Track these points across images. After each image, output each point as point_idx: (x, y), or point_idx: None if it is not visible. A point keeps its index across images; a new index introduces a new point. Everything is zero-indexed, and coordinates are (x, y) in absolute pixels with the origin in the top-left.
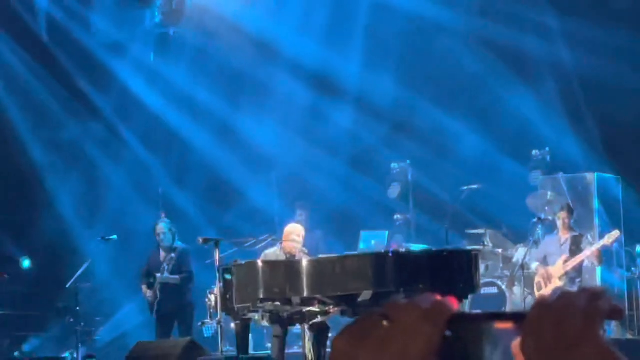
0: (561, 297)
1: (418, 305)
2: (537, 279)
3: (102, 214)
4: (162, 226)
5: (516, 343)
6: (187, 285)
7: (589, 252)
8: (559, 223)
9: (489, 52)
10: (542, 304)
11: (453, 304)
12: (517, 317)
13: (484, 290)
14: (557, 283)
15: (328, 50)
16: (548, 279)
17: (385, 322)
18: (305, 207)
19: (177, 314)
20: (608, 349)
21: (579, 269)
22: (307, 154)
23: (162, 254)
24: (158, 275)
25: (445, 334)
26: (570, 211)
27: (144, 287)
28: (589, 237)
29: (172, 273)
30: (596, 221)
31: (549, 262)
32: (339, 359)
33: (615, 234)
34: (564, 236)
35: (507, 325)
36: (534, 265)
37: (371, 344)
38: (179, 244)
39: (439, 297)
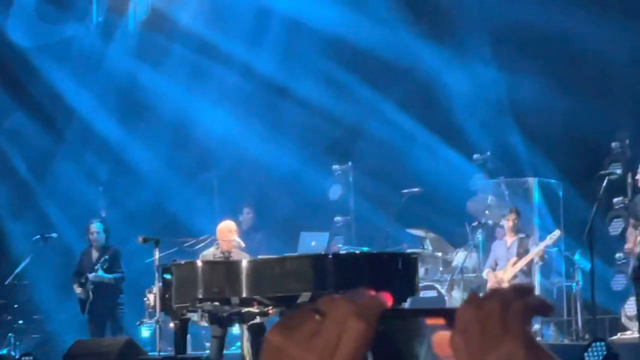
0: (491, 294)
1: (350, 300)
2: (488, 285)
3: (37, 211)
4: (96, 226)
5: (437, 336)
6: (120, 285)
7: (534, 253)
8: (507, 225)
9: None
10: (472, 301)
11: (387, 299)
12: (447, 313)
13: (423, 294)
14: (506, 286)
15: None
16: (499, 283)
17: (317, 316)
18: (251, 211)
19: (109, 314)
20: (533, 345)
21: (528, 271)
22: (248, 155)
23: (95, 253)
24: (92, 274)
25: (378, 328)
26: (518, 214)
27: (75, 286)
28: (533, 239)
29: (105, 273)
30: (536, 226)
31: (499, 267)
32: (270, 352)
33: (557, 233)
34: (511, 239)
35: (438, 321)
36: (485, 272)
37: (302, 337)
38: (111, 244)
39: (372, 292)
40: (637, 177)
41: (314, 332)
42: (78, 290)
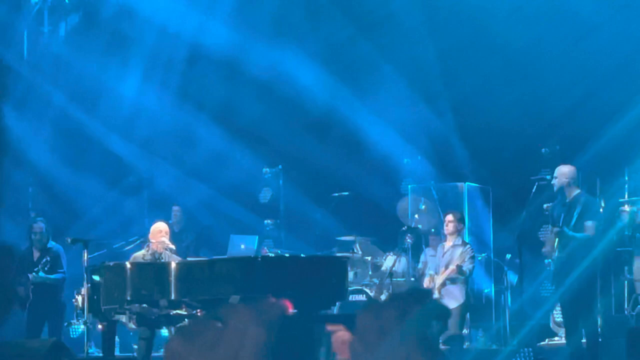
0: (390, 300)
1: (250, 307)
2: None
3: None
4: (40, 225)
5: (336, 337)
6: (61, 285)
7: (451, 270)
8: (445, 229)
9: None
10: (371, 307)
11: (286, 306)
12: (347, 319)
13: (352, 298)
14: (437, 295)
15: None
16: (432, 290)
17: (218, 324)
18: (180, 210)
19: (48, 314)
20: (431, 348)
21: (458, 281)
22: (182, 154)
23: (36, 253)
24: (32, 274)
25: (278, 333)
26: (458, 217)
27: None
28: (469, 247)
29: (46, 273)
30: (466, 231)
31: (438, 272)
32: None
33: (468, 252)
34: (447, 245)
35: (338, 327)
36: (427, 275)
37: (203, 344)
38: (53, 244)
39: (272, 299)
40: (552, 182)
41: (215, 339)
42: (18, 290)
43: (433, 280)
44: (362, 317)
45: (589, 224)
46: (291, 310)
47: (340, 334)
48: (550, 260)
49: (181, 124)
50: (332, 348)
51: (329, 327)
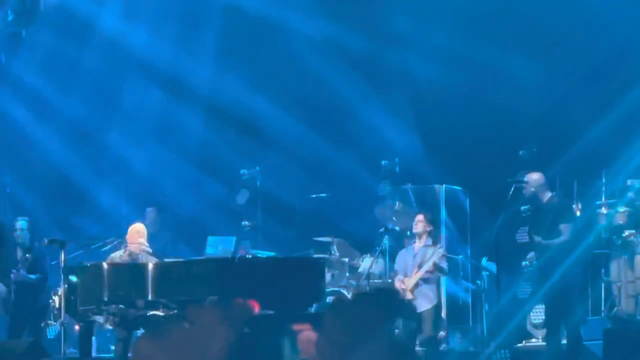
0: (355, 299)
1: (217, 308)
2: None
3: None
4: (21, 223)
5: (302, 337)
6: (42, 285)
7: (429, 267)
8: (414, 229)
9: (342, 59)
10: (337, 305)
11: (253, 306)
12: (314, 318)
13: (330, 299)
14: (410, 295)
15: (180, 55)
16: (404, 291)
17: (185, 324)
18: (154, 210)
19: (29, 315)
20: (398, 345)
21: (431, 281)
22: (156, 158)
23: (19, 252)
24: (12, 274)
25: (245, 333)
26: (428, 218)
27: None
28: (439, 247)
29: (27, 272)
30: (443, 233)
31: (408, 273)
32: None
33: (440, 252)
34: (418, 246)
35: (304, 326)
36: (397, 278)
37: (171, 345)
38: (36, 245)
39: (239, 300)
40: (523, 191)
41: (182, 339)
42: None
43: (404, 281)
44: (329, 316)
45: (564, 226)
46: (258, 311)
47: (306, 334)
48: (527, 262)
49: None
50: (296, 346)
51: (295, 327)
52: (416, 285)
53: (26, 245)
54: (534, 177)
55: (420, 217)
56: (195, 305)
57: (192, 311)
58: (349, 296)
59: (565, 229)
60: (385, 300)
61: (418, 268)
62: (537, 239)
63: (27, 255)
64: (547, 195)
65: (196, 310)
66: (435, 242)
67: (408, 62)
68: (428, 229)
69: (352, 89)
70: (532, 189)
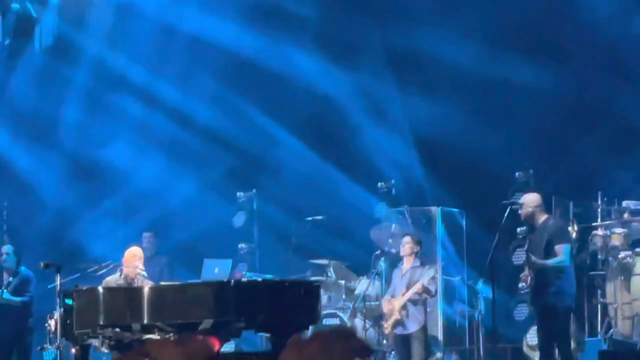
0: (314, 337)
1: (179, 344)
2: (384, 311)
3: None
4: (6, 248)
5: None
6: (27, 309)
7: (417, 286)
8: (402, 251)
9: (340, 79)
10: (295, 344)
11: (214, 343)
12: (272, 357)
13: (326, 322)
14: (397, 316)
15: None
16: (391, 311)
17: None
18: (152, 234)
19: (15, 339)
20: None
21: (419, 302)
22: (154, 181)
23: (6, 276)
24: None
25: None
26: (416, 241)
27: None
28: (427, 268)
29: (11, 295)
30: (439, 255)
31: (396, 294)
32: None
33: (429, 274)
34: (406, 268)
35: None
36: (384, 299)
37: None
38: (22, 269)
39: (200, 337)
40: (519, 212)
41: None
42: None
43: (391, 302)
44: (286, 354)
45: (559, 247)
46: (218, 348)
47: None
48: (524, 284)
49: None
50: None
51: None
52: (404, 306)
53: (12, 269)
54: (530, 198)
55: (407, 238)
56: (156, 341)
57: (152, 347)
58: (346, 318)
59: (560, 250)
60: (343, 339)
61: (406, 289)
62: (532, 258)
63: (9, 279)
64: (543, 216)
65: (157, 345)
66: (423, 263)
67: (407, 83)
68: (415, 250)
69: (349, 111)
70: (529, 210)
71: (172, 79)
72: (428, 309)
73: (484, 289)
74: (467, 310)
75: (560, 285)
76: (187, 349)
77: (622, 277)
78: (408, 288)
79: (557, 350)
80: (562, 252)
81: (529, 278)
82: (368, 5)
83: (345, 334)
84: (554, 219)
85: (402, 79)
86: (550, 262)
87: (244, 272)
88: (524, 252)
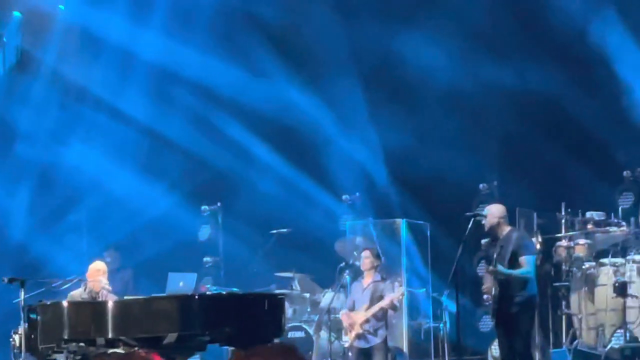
0: (256, 352)
1: None
2: (344, 325)
3: None
4: None
5: None
6: None
7: (385, 302)
8: (362, 265)
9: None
10: (238, 359)
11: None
12: None
13: (291, 334)
14: (358, 329)
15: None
16: (352, 325)
17: None
18: (114, 248)
19: None
20: None
21: (381, 316)
22: (117, 195)
23: None
24: None
25: None
26: (374, 254)
27: None
28: (389, 283)
29: None
30: (404, 267)
31: (356, 308)
32: None
33: (400, 291)
34: (367, 282)
35: None
36: (341, 313)
37: None
38: None
39: (144, 354)
40: (483, 222)
41: None
42: None
43: (351, 316)
44: None
45: (523, 259)
46: None
47: None
48: (489, 296)
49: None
50: None
51: None
52: (367, 320)
53: None
54: (495, 209)
55: (366, 253)
56: (100, 357)
57: None
58: (311, 331)
59: (524, 261)
60: (283, 354)
61: (370, 303)
62: (500, 268)
63: None
64: (507, 228)
65: None
66: (384, 277)
67: (375, 95)
68: (375, 264)
69: (315, 123)
70: (494, 221)
71: (140, 92)
72: (393, 321)
73: (448, 301)
74: (432, 323)
75: (524, 296)
76: None
77: (586, 288)
78: (372, 302)
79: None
80: (526, 263)
81: (493, 289)
82: (335, 17)
83: (285, 349)
84: (517, 231)
85: (370, 90)
86: (516, 272)
87: (208, 286)
88: (489, 262)
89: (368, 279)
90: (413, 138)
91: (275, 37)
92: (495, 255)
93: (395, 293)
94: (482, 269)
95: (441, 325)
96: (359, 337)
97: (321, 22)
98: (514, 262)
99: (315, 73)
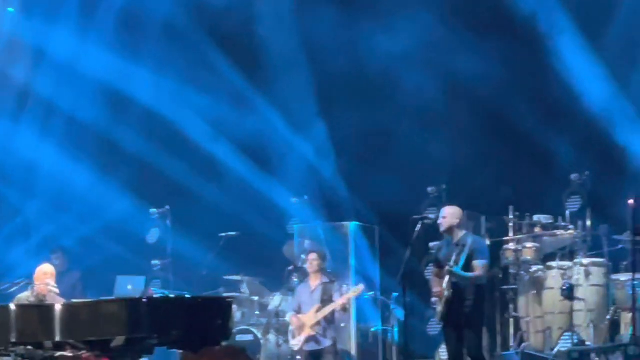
0: (204, 355)
1: None
2: (291, 328)
3: None
4: None
5: None
6: None
7: (338, 303)
8: (308, 269)
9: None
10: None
11: None
12: None
13: (239, 337)
14: (308, 332)
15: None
16: (301, 328)
17: None
18: (60, 251)
19: None
20: None
21: (331, 318)
22: (66, 196)
23: None
24: None
25: None
26: (322, 256)
27: None
28: (338, 285)
29: None
30: (352, 270)
31: (303, 311)
32: None
33: (359, 288)
34: (315, 283)
35: None
36: (288, 315)
37: None
38: None
39: (92, 358)
40: (439, 222)
41: None
42: None
43: (300, 319)
44: None
45: (478, 263)
46: None
47: None
48: (438, 298)
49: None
50: None
51: None
52: (318, 323)
53: None
54: (453, 211)
55: (313, 255)
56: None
57: None
58: (259, 334)
59: (478, 265)
60: (232, 357)
61: (321, 305)
62: (455, 269)
63: None
64: (462, 231)
65: None
66: (332, 280)
67: (325, 101)
68: (322, 266)
69: (265, 124)
70: (453, 222)
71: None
72: (342, 325)
73: (396, 305)
74: (380, 326)
75: (475, 300)
76: None
77: (534, 291)
78: (323, 304)
79: None
80: (480, 268)
81: (445, 291)
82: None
83: (233, 351)
84: (473, 235)
85: (323, 90)
86: (469, 275)
87: (155, 289)
88: (438, 264)
89: (315, 281)
90: (361, 141)
91: (224, 36)
92: (454, 256)
93: (350, 292)
94: (430, 272)
95: (389, 328)
96: (309, 339)
97: (276, 27)
98: (467, 266)
99: (265, 73)
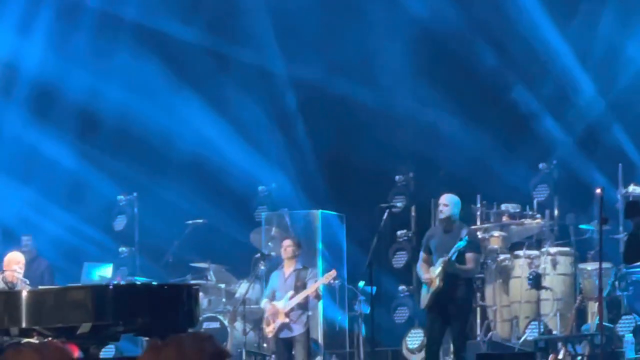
0: (171, 341)
1: (36, 352)
2: (266, 315)
3: None
4: None
5: None
6: None
7: (309, 290)
8: (283, 255)
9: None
10: (152, 348)
11: (72, 350)
12: None
13: (206, 325)
14: (283, 319)
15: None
16: (275, 314)
17: None
18: (30, 237)
19: None
20: None
21: (305, 304)
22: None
23: None
24: None
25: None
26: (296, 243)
27: None
28: (312, 271)
29: None
30: (319, 258)
31: (277, 298)
32: None
33: (332, 273)
34: (288, 269)
35: None
36: (263, 302)
37: None
38: None
39: (59, 344)
40: (440, 209)
41: None
42: None
43: (274, 305)
44: (144, 357)
45: (471, 256)
46: (77, 355)
47: None
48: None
49: (30, 148)
50: None
51: None
52: (292, 309)
53: None
54: (453, 201)
55: (288, 242)
56: (13, 347)
57: (10, 354)
58: (226, 322)
59: (472, 258)
60: (199, 343)
61: (295, 291)
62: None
63: None
64: (457, 222)
65: (15, 353)
66: (306, 266)
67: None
68: (297, 253)
69: (231, 116)
70: (458, 209)
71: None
72: (310, 313)
73: (363, 293)
74: (347, 314)
75: (467, 292)
76: (45, 356)
77: (501, 280)
78: (297, 290)
79: (454, 351)
80: (473, 261)
81: (437, 279)
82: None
83: (200, 338)
84: (467, 227)
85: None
86: (465, 268)
87: (122, 276)
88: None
89: (289, 268)
90: (329, 129)
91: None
92: (453, 248)
93: (324, 277)
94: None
95: (356, 316)
96: (282, 327)
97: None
98: (460, 258)
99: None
